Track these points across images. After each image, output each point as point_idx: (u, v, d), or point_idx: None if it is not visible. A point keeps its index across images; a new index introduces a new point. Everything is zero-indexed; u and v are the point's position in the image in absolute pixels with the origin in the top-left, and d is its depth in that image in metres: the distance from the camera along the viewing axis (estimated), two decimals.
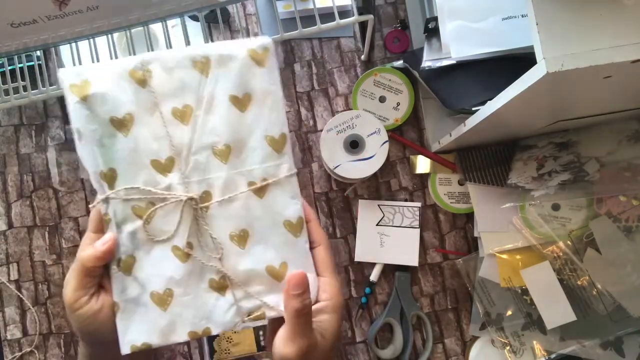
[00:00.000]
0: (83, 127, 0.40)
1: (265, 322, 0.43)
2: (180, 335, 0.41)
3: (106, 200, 0.41)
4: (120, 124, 0.41)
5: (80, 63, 0.60)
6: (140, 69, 0.41)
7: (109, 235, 0.40)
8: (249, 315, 0.42)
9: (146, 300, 0.41)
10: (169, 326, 0.41)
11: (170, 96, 0.41)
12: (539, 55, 0.35)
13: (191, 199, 0.41)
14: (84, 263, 0.39)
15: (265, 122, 0.42)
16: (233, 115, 0.42)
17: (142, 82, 0.41)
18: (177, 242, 0.41)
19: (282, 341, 0.39)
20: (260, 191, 0.42)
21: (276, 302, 0.42)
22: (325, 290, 0.41)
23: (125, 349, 0.41)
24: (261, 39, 0.43)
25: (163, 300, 0.41)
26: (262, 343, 0.63)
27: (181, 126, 0.41)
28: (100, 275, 0.41)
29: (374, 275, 0.67)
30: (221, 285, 0.42)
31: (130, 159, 0.41)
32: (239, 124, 0.42)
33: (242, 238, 0.42)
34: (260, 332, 0.63)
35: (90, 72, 0.41)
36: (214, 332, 0.42)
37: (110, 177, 0.41)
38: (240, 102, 0.42)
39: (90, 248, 0.40)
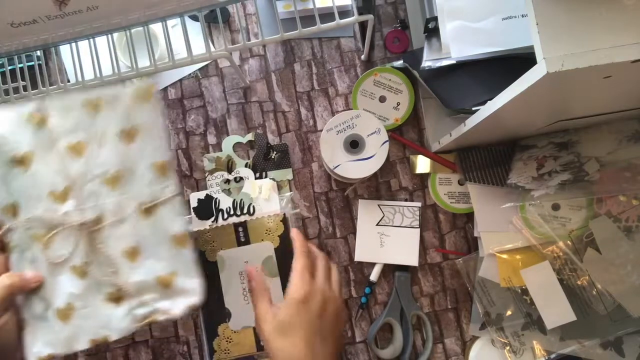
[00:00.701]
0: None
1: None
2: (82, 344, 0.47)
3: (10, 229, 0.47)
4: (20, 162, 0.47)
5: (80, 63, 0.60)
6: (38, 111, 0.47)
7: (38, 274, 0.47)
8: (144, 320, 0.48)
9: (50, 315, 0.47)
10: (71, 336, 0.47)
11: (67, 134, 0.47)
12: (539, 55, 0.35)
13: (84, 223, 0.47)
14: (10, 290, 0.44)
15: (150, 150, 0.48)
16: (121, 147, 0.48)
17: (41, 123, 0.47)
18: (75, 262, 0.47)
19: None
20: (148, 211, 0.48)
21: (167, 307, 0.48)
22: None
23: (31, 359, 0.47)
24: (146, 80, 0.50)
25: (65, 314, 0.47)
26: (262, 343, 0.63)
27: (76, 159, 0.47)
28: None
29: (374, 275, 0.67)
30: (117, 297, 0.48)
31: (31, 192, 0.47)
32: (127, 154, 0.48)
33: (133, 254, 0.48)
34: None
35: None
36: (112, 339, 0.48)
37: (12, 210, 0.47)
38: (128, 135, 0.48)
39: (17, 278, 0.45)
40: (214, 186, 0.68)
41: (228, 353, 0.63)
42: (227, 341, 0.63)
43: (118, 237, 0.48)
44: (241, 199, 0.66)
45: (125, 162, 0.48)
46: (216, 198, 0.66)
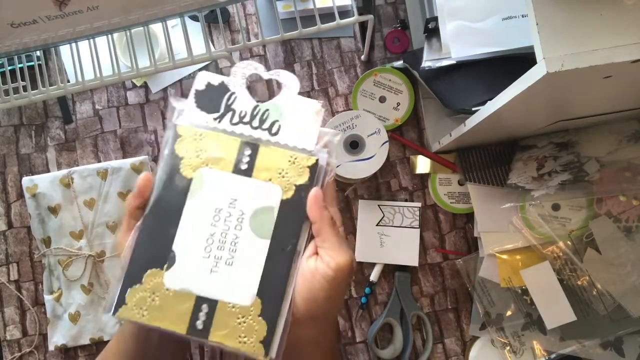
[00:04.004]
0: (32, 212, 0.68)
1: None
2: (85, 340, 0.67)
3: (44, 255, 0.68)
4: (53, 210, 0.68)
5: (80, 63, 0.60)
6: (66, 177, 0.67)
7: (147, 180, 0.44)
8: None
9: (65, 317, 0.67)
10: (77, 334, 0.67)
11: (83, 193, 0.68)
12: (539, 55, 0.35)
13: (91, 255, 0.67)
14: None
15: None
16: (120, 204, 0.68)
17: (67, 185, 0.67)
18: (83, 282, 0.67)
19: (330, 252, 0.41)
20: None
21: None
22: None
23: (50, 347, 0.67)
24: (140, 158, 0.68)
25: (74, 318, 0.67)
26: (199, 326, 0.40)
27: (88, 211, 0.68)
28: None
29: (374, 275, 0.67)
30: None
31: (58, 230, 0.67)
32: (124, 209, 0.65)
33: None
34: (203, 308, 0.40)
35: (38, 180, 0.68)
36: (105, 339, 0.66)
37: (47, 241, 0.68)
38: (124, 196, 0.68)
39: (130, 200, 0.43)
40: (239, 77, 0.46)
41: (143, 314, 0.40)
42: (150, 297, 0.40)
43: (114, 267, 0.67)
44: (266, 109, 0.45)
45: (122, 214, 0.66)
46: (233, 92, 0.45)
